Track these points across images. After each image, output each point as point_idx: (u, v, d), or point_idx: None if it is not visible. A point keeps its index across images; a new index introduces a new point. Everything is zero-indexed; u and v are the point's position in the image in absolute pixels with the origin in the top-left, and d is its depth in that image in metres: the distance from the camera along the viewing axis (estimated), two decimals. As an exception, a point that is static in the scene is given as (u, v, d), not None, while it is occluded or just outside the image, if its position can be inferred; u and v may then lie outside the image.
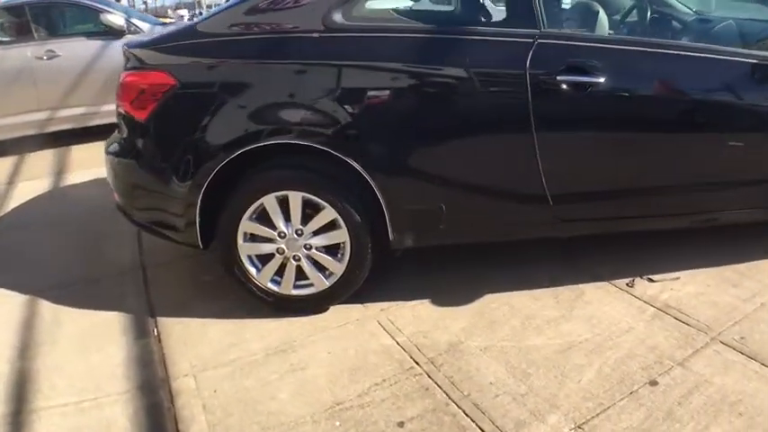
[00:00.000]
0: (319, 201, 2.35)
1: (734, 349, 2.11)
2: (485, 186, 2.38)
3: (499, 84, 2.27)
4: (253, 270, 2.49)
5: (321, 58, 2.29)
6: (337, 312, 2.54)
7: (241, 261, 2.48)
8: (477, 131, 2.31)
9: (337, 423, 1.91)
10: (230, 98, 2.33)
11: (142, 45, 2.55)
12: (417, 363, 2.19)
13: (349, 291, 2.52)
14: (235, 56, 2.35)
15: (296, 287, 2.50)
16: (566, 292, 2.55)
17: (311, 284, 2.49)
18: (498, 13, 2.72)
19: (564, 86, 2.19)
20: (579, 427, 1.82)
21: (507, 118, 2.28)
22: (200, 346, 2.39)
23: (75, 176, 4.80)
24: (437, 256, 2.76)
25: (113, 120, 2.73)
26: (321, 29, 2.29)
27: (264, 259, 2.47)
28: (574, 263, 2.76)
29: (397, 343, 2.31)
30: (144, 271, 3.06)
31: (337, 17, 2.29)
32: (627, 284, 2.58)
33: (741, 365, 2.02)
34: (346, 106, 2.25)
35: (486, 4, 2.99)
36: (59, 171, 5.05)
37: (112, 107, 2.69)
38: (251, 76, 2.32)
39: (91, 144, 5.48)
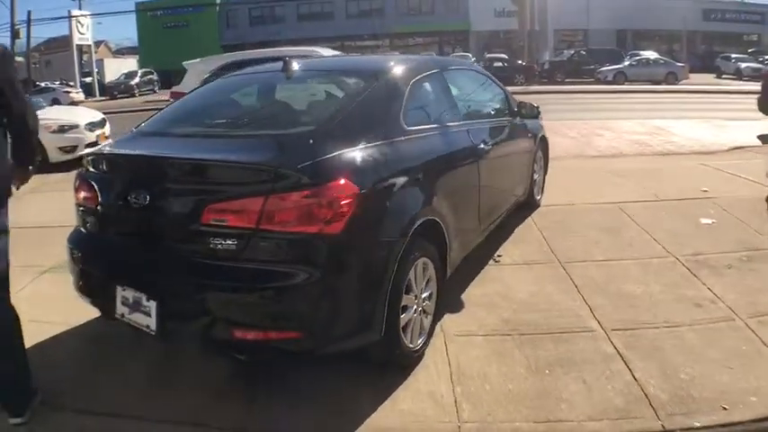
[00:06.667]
0: (428, 260, 3.11)
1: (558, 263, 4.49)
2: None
3: None
4: (406, 340, 2.94)
5: None
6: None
7: (401, 336, 2.87)
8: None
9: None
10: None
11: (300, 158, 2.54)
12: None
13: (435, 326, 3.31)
14: None
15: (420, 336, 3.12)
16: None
17: (423, 332, 3.14)
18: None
19: None
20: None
21: None
22: None
23: None
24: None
25: None
26: None
27: (406, 326, 2.95)
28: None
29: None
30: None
31: None
32: (494, 261, 4.52)
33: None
34: None
35: None
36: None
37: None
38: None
39: None
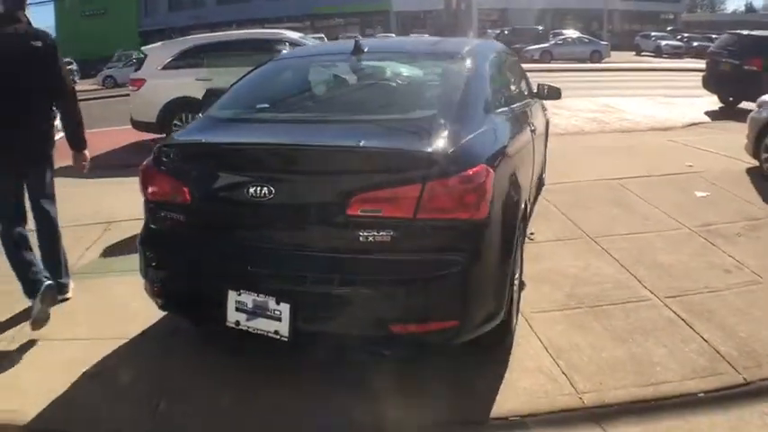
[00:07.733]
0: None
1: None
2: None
3: None
4: (513, 319, 3.07)
5: None
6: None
7: (513, 316, 3.01)
8: None
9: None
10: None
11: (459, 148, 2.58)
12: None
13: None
14: None
15: None
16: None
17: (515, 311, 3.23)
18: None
19: None
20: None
21: None
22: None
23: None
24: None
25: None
26: None
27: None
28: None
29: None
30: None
31: None
32: (529, 239, 4.58)
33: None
34: None
35: None
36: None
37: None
38: None
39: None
